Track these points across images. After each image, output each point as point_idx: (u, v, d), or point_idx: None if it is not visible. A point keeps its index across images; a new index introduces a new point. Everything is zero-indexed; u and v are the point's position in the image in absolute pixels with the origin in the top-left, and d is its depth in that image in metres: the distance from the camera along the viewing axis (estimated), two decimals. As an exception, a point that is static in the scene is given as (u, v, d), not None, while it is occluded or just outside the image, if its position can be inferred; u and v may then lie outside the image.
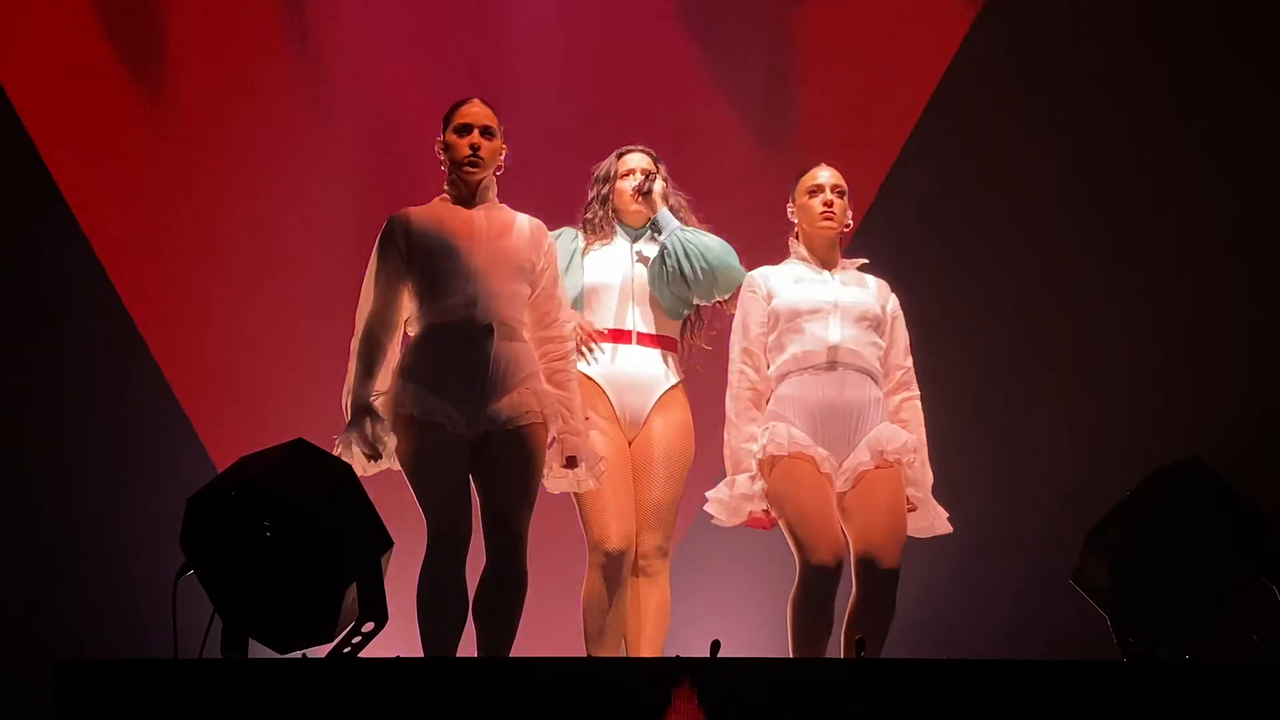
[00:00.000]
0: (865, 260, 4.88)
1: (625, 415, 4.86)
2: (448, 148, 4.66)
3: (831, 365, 4.68)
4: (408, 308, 4.57)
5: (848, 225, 4.88)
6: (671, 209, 4.97)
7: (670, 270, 4.87)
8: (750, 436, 4.67)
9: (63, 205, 6.16)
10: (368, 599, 3.78)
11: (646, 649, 4.73)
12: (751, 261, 4.96)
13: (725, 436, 4.74)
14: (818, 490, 4.56)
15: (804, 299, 4.75)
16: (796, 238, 4.91)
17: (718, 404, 4.88)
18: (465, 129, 4.62)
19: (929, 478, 4.72)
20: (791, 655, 4.47)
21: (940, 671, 3.81)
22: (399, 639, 4.17)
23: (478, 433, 4.43)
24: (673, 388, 4.92)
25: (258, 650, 3.74)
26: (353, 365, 4.52)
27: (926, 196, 6.45)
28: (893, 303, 4.86)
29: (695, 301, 4.95)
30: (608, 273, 4.95)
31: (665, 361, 4.93)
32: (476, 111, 4.65)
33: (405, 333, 4.60)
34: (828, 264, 4.85)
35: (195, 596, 3.80)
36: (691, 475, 4.92)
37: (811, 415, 4.64)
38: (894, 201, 6.39)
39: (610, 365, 4.87)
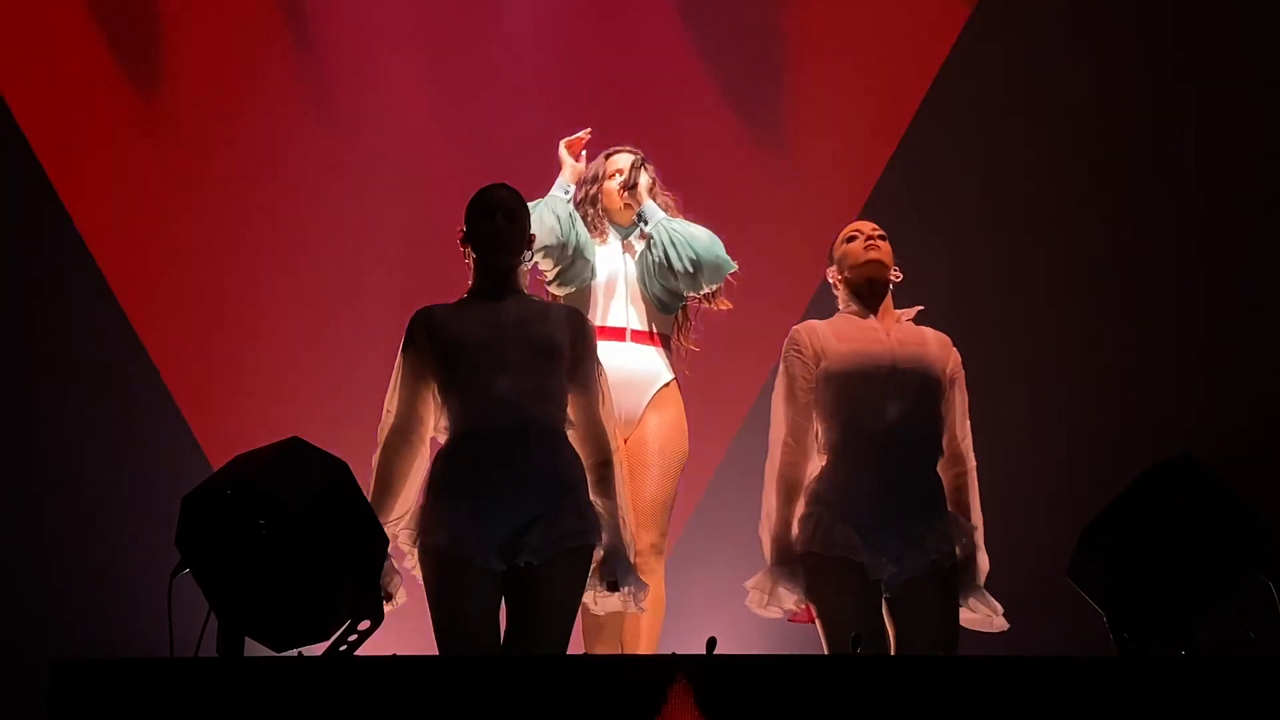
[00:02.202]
0: (921, 307, 4.47)
1: (620, 413, 4.86)
2: (470, 236, 4.29)
3: (887, 443, 4.22)
4: (433, 419, 4.20)
5: (898, 275, 4.42)
6: (659, 206, 4.99)
7: (657, 261, 4.89)
8: (789, 523, 4.26)
9: (58, 206, 6.16)
10: (363, 597, 3.79)
11: (642, 646, 4.74)
12: (742, 257, 4.96)
13: (764, 514, 4.32)
14: (859, 603, 4.17)
15: (856, 363, 4.27)
16: (840, 295, 4.47)
17: (707, 403, 4.87)
18: (488, 213, 4.24)
19: (985, 565, 4.36)
20: None
21: (936, 668, 3.82)
22: (396, 637, 4.17)
23: (511, 562, 4.05)
24: (667, 385, 4.93)
25: (254, 649, 3.74)
26: (372, 486, 4.13)
27: (921, 195, 6.45)
28: (954, 362, 4.40)
29: (683, 292, 4.96)
30: (600, 271, 4.96)
31: (659, 359, 4.95)
32: (500, 195, 4.28)
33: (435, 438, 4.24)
34: (878, 313, 4.38)
35: (191, 595, 3.79)
36: (685, 473, 4.93)
37: (863, 503, 4.21)
38: (889, 200, 6.39)
39: (604, 362, 4.87)
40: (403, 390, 4.20)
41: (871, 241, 4.41)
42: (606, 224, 5.05)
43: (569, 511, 4.10)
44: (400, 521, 4.15)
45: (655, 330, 4.97)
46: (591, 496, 4.18)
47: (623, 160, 5.06)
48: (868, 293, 4.42)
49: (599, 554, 4.15)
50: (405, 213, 6.32)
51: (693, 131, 6.36)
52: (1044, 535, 5.57)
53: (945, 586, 4.29)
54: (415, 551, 4.14)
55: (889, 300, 4.43)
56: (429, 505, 4.13)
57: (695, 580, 5.54)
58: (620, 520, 4.20)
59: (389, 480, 4.15)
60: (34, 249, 6.16)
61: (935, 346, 4.40)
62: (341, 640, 3.77)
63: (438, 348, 4.17)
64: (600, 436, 4.24)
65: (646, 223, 4.95)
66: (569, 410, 4.21)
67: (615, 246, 5.03)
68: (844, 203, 6.35)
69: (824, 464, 4.31)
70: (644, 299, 4.96)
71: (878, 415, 4.25)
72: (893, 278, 4.44)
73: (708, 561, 5.68)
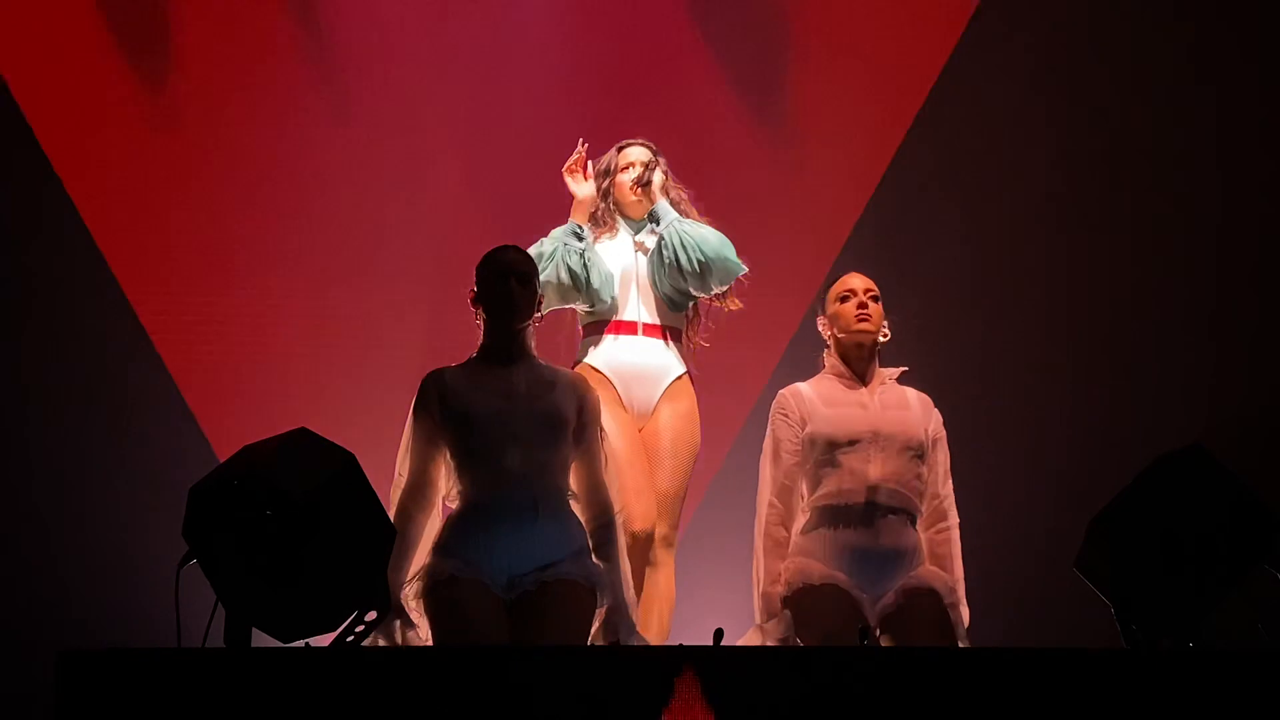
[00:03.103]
0: (905, 369, 4.59)
1: (633, 406, 4.87)
2: (480, 299, 4.34)
3: (870, 506, 4.38)
4: (445, 482, 4.27)
5: (886, 334, 4.55)
6: (672, 202, 4.99)
7: (667, 262, 4.88)
8: (777, 577, 4.40)
9: (66, 201, 6.15)
10: (370, 588, 3.79)
11: (652, 637, 4.74)
12: (748, 251, 4.96)
13: (754, 573, 4.48)
14: (849, 619, 4.26)
15: (841, 428, 4.43)
16: (829, 350, 4.60)
17: (714, 396, 4.86)
18: (500, 277, 4.28)
19: (965, 617, 4.45)
20: None
21: (943, 660, 3.81)
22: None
23: (517, 592, 4.13)
24: (679, 378, 4.93)
25: (261, 639, 3.74)
26: None
27: (928, 186, 6.43)
28: (935, 423, 4.53)
29: (692, 293, 4.96)
30: (611, 265, 4.96)
31: (671, 352, 4.95)
32: (511, 258, 4.33)
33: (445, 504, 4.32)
34: (864, 377, 4.53)
35: (198, 586, 3.80)
36: (695, 465, 4.93)
37: (844, 560, 4.36)
38: (896, 190, 6.38)
39: (616, 356, 4.88)
40: (414, 454, 4.26)
41: (864, 311, 4.52)
42: (617, 217, 5.05)
43: (571, 561, 4.19)
44: (410, 585, 4.19)
45: (667, 324, 4.97)
46: (594, 561, 4.25)
47: (635, 153, 5.06)
48: (855, 355, 4.55)
49: (601, 613, 4.20)
50: (417, 206, 6.31)
51: (700, 124, 6.35)
52: (1052, 525, 5.57)
53: (934, 600, 4.36)
54: (421, 604, 4.17)
55: (875, 360, 4.57)
56: (440, 560, 4.18)
57: (703, 572, 5.54)
58: (623, 581, 4.27)
59: (404, 545, 4.16)
60: (42, 244, 6.16)
61: (918, 409, 4.53)
62: (348, 631, 3.77)
63: (449, 415, 4.23)
64: (602, 500, 4.32)
65: (658, 222, 4.94)
66: (572, 474, 4.30)
67: (626, 240, 5.02)
68: (852, 192, 6.35)
69: (807, 521, 4.44)
70: (655, 294, 4.96)
71: (860, 478, 4.39)
72: (881, 339, 4.55)
73: (716, 553, 5.67)
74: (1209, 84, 6.46)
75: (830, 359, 4.60)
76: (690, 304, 5.02)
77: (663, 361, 4.92)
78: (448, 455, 4.25)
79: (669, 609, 4.81)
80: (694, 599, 5.27)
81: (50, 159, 6.17)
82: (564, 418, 4.25)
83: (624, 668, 3.67)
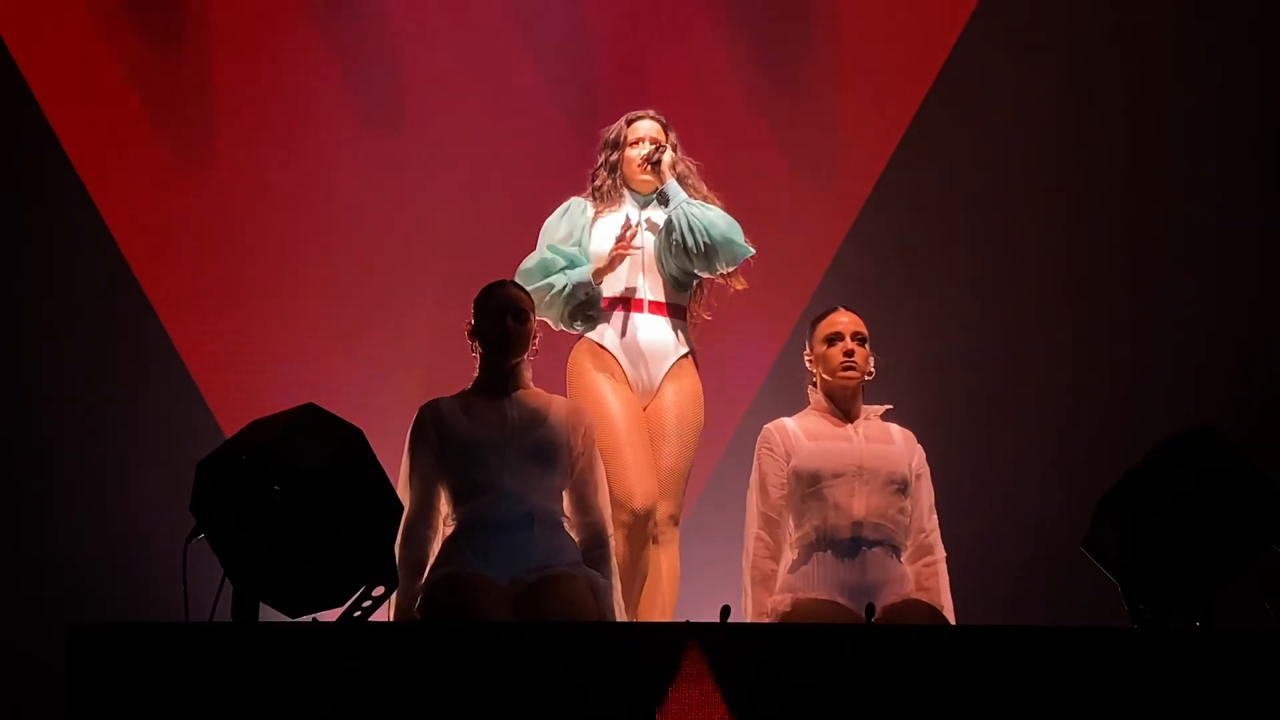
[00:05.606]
0: (889, 406, 4.63)
1: (638, 384, 4.86)
2: (477, 333, 4.49)
3: (855, 541, 4.40)
4: (444, 507, 4.38)
5: (870, 373, 4.59)
6: (680, 176, 4.96)
7: (674, 243, 4.87)
8: (764, 610, 4.43)
9: (77, 182, 6.15)
10: (377, 563, 3.79)
11: (658, 615, 4.75)
12: (752, 225, 4.94)
13: (743, 605, 4.49)
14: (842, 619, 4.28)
15: (826, 463, 4.47)
16: (814, 386, 4.64)
17: (721, 374, 4.85)
18: (497, 314, 4.44)
19: None
20: None
21: (950, 637, 3.81)
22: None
23: (520, 587, 4.20)
24: (683, 357, 4.92)
25: (268, 614, 3.75)
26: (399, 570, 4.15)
27: (936, 175, 6.40)
28: (918, 457, 4.57)
29: (698, 274, 4.94)
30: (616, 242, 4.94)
31: (676, 330, 4.93)
32: (507, 295, 4.48)
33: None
34: (849, 415, 4.58)
35: (206, 561, 3.81)
36: (699, 443, 4.92)
37: (832, 592, 4.37)
38: (911, 161, 6.35)
39: (622, 334, 4.87)
40: (415, 483, 4.37)
41: (849, 359, 4.54)
42: (623, 191, 5.02)
43: (569, 565, 4.29)
44: (419, 598, 4.24)
45: (673, 303, 4.96)
46: (590, 571, 4.33)
47: (645, 127, 5.02)
48: (840, 394, 4.60)
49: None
50: (431, 188, 6.29)
51: (711, 96, 6.31)
52: (1061, 506, 5.57)
53: (924, 605, 4.35)
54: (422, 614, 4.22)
55: (859, 398, 4.61)
56: (432, 571, 4.27)
57: (709, 549, 5.54)
58: (615, 601, 4.36)
59: (415, 562, 4.28)
60: (52, 223, 6.16)
61: (901, 444, 4.57)
62: (355, 606, 3.78)
63: (445, 446, 4.36)
64: (596, 523, 4.44)
65: (667, 202, 4.92)
66: (567, 497, 4.42)
67: (633, 215, 4.98)
68: (864, 166, 6.33)
69: (794, 557, 4.47)
70: (661, 271, 4.95)
71: (845, 511, 4.42)
72: (866, 378, 4.59)
73: (722, 531, 5.67)
74: (1213, 78, 6.42)
75: (815, 395, 4.64)
76: (694, 281, 5.00)
77: (668, 340, 4.91)
78: (446, 482, 4.36)
79: (674, 587, 4.81)
80: (700, 577, 5.28)
81: (61, 141, 6.17)
82: (557, 446, 4.38)
83: (632, 644, 3.67)
